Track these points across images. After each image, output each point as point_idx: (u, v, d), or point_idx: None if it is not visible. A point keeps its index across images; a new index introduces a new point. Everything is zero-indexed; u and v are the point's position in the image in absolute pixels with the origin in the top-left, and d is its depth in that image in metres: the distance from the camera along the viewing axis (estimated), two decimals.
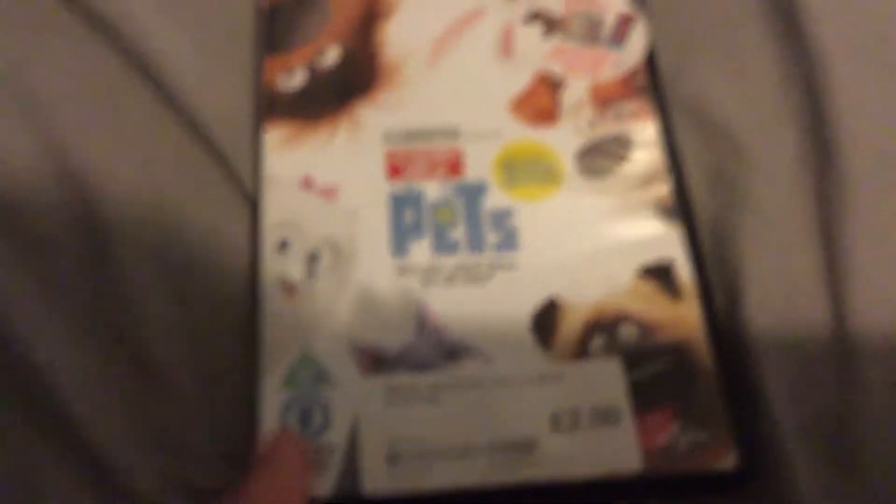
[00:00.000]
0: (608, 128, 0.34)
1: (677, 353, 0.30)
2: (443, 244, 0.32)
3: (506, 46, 0.36)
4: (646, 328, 0.31)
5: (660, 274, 0.32)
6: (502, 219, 0.33)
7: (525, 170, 0.33)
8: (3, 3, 0.35)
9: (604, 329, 0.31)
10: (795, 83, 0.35)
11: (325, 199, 0.33)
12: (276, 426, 0.29)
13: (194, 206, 0.33)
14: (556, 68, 0.36)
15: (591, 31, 0.36)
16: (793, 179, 0.33)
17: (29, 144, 0.33)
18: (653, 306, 0.31)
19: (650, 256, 0.32)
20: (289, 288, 0.31)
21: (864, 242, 0.32)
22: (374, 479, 0.28)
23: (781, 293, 0.32)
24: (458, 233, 0.32)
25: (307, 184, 0.33)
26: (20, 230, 0.32)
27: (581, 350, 0.30)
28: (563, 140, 0.34)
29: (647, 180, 0.33)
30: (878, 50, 0.35)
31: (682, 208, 0.33)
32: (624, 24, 0.36)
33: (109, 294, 0.31)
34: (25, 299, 0.31)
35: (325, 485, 0.28)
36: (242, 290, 0.32)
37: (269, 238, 0.32)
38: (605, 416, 0.29)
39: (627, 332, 0.31)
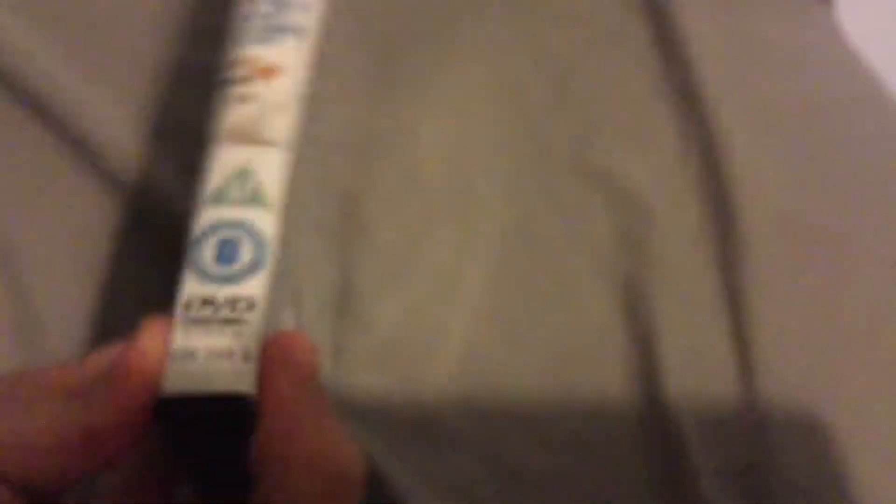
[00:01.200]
0: None
1: None
2: None
3: None
4: None
5: None
6: None
7: None
8: None
9: None
10: (696, 155, 0.36)
11: None
12: None
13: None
14: None
15: None
16: (698, 244, 0.35)
17: None
18: None
19: None
20: None
21: (765, 305, 0.33)
22: None
23: (692, 359, 0.33)
24: None
25: None
26: None
27: None
28: None
29: None
30: (771, 124, 0.38)
31: None
32: None
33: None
34: None
35: None
36: None
37: None
38: None
39: None
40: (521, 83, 0.38)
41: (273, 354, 0.21)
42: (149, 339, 0.21)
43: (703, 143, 0.36)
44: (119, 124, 0.34)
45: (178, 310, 0.21)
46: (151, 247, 0.33)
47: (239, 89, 0.26)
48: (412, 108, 0.37)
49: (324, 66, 0.28)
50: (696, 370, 0.33)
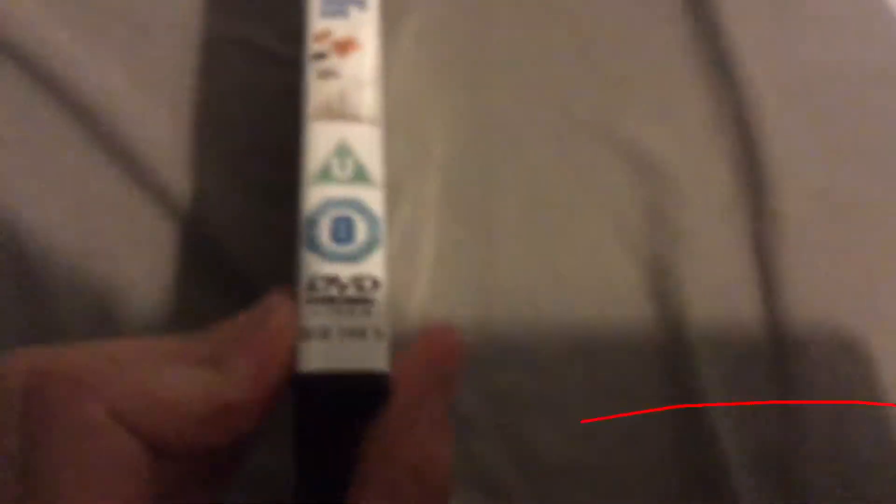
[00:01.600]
0: None
1: None
2: None
3: None
4: None
5: None
6: None
7: None
8: None
9: None
10: (727, 123, 0.36)
11: None
12: None
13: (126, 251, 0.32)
14: None
15: None
16: (727, 217, 0.35)
17: None
18: None
19: None
20: None
21: (797, 277, 0.34)
22: None
23: (720, 323, 0.33)
24: None
25: None
26: None
27: None
28: None
29: None
30: (806, 92, 0.38)
31: None
32: None
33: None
34: None
35: None
36: None
37: None
38: None
39: None
40: (546, 50, 0.38)
41: (423, 346, 0.21)
42: (281, 315, 0.21)
43: (735, 111, 0.36)
44: (161, 129, 0.33)
45: (303, 289, 0.21)
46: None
47: (320, 65, 0.25)
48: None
49: None
50: (723, 324, 0.33)
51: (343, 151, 0.24)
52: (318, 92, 0.25)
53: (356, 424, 0.20)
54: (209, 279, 0.32)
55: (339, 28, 0.27)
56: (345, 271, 0.22)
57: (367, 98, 0.25)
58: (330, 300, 0.21)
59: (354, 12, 0.27)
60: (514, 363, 0.33)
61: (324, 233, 0.22)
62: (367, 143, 0.24)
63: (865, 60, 0.39)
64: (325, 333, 0.21)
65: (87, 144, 0.33)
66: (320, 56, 0.26)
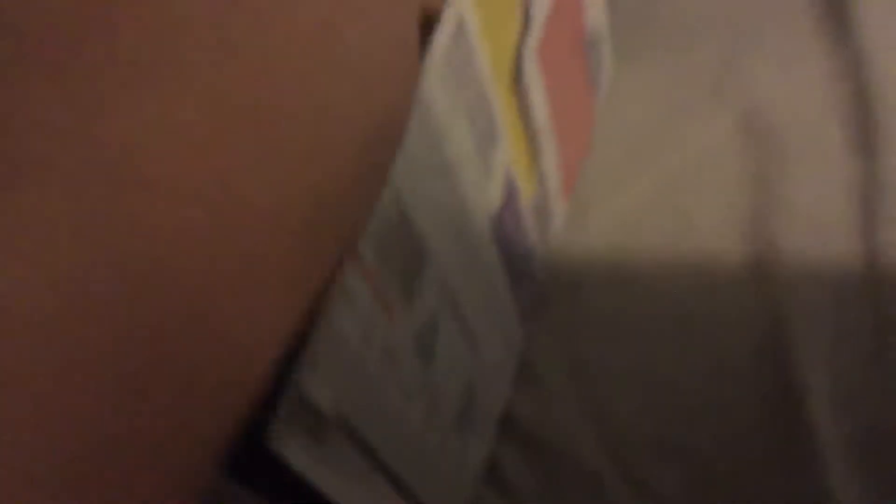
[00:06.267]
0: None
1: None
2: None
3: None
4: None
5: None
6: None
7: None
8: None
9: None
10: (844, 80, 0.35)
11: None
12: None
13: None
14: None
15: None
16: (835, 175, 0.33)
17: None
18: None
19: None
20: None
21: None
22: None
23: (819, 282, 0.31)
24: None
25: None
26: None
27: None
28: None
29: None
30: None
31: None
32: None
33: None
34: None
35: None
36: None
37: None
38: None
39: None
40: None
41: None
42: None
43: (850, 66, 0.35)
44: None
45: None
46: None
47: None
48: None
49: None
50: (820, 283, 0.31)
51: None
52: None
53: None
54: None
55: None
56: None
57: None
58: None
59: None
60: (601, 331, 0.32)
61: None
62: None
63: None
64: None
65: None
66: None
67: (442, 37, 0.19)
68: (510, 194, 0.26)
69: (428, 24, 0.19)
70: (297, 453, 0.16)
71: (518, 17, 0.24)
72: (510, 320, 0.30)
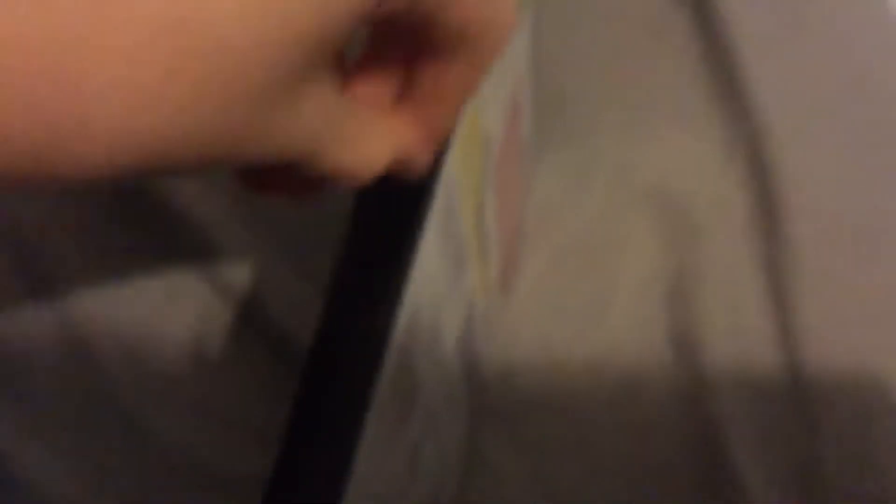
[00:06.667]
0: None
1: None
2: None
3: None
4: None
5: None
6: None
7: None
8: None
9: None
10: (741, 150, 0.36)
11: None
12: None
13: None
14: None
15: None
16: (742, 246, 0.35)
17: None
18: None
19: None
20: None
21: (812, 301, 0.34)
22: None
23: (737, 352, 0.34)
24: None
25: None
26: None
27: None
28: None
29: None
30: (818, 111, 0.37)
31: None
32: None
33: None
34: None
35: None
36: None
37: None
38: None
39: None
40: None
41: None
42: None
43: (748, 137, 0.36)
44: None
45: None
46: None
47: None
48: None
49: None
50: (740, 355, 0.33)
51: None
52: None
53: None
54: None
55: None
56: None
57: None
58: None
59: None
60: (540, 412, 0.34)
61: None
62: None
63: (876, 72, 0.38)
64: None
65: None
66: None
67: (437, 203, 0.21)
68: (471, 313, 0.28)
69: None
70: None
71: (481, 144, 0.26)
72: (463, 416, 0.32)
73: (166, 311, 0.33)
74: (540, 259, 0.37)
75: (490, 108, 0.25)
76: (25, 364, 0.32)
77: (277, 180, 0.18)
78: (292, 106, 0.14)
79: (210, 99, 0.13)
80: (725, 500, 0.32)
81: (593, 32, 0.39)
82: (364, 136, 0.17)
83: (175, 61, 0.12)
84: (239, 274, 0.33)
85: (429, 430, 0.25)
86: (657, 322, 0.35)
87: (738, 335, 0.34)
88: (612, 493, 0.33)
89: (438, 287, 0.23)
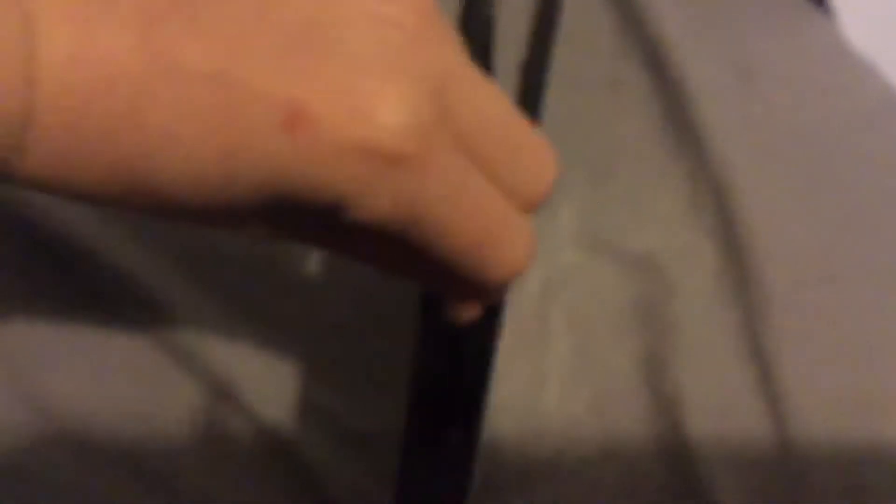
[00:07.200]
0: None
1: None
2: None
3: None
4: None
5: None
6: None
7: None
8: None
9: None
10: (706, 203, 0.35)
11: None
12: None
13: None
14: None
15: None
16: (717, 302, 0.34)
17: None
18: None
19: None
20: None
21: (789, 348, 0.33)
22: None
23: (720, 415, 0.32)
24: None
25: None
26: None
27: None
28: None
29: None
30: (779, 157, 0.36)
31: None
32: None
33: None
34: None
35: None
36: None
37: None
38: None
39: None
40: None
41: None
42: None
43: (712, 190, 0.35)
44: None
45: None
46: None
47: None
48: None
49: None
50: (725, 424, 0.32)
51: None
52: None
53: None
54: None
55: None
56: None
57: None
58: None
59: None
60: (518, 482, 0.32)
61: None
62: None
63: (835, 111, 0.38)
64: None
65: None
66: None
67: None
68: None
69: None
70: None
71: None
72: None
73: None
74: (510, 326, 0.35)
75: None
76: None
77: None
78: None
79: None
80: None
81: (551, 94, 0.38)
82: None
83: None
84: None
85: None
86: (635, 387, 0.33)
87: (720, 402, 0.33)
88: None
89: None
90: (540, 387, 0.34)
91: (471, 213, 0.21)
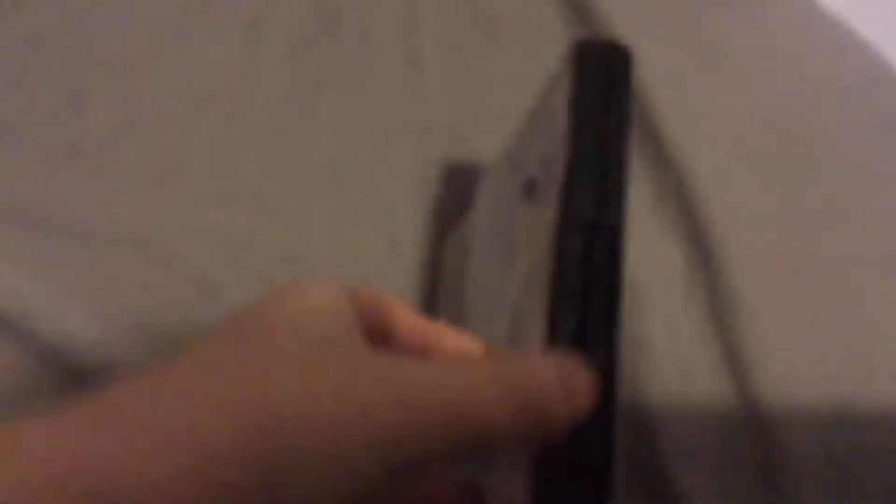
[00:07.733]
0: None
1: None
2: None
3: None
4: None
5: None
6: None
7: None
8: None
9: None
10: (670, 203, 0.35)
11: None
12: None
13: None
14: None
15: None
16: (686, 301, 0.34)
17: None
18: None
19: None
20: None
21: (757, 337, 0.33)
22: None
23: (689, 404, 0.32)
24: None
25: None
26: None
27: None
28: None
29: None
30: (739, 145, 0.36)
31: None
32: None
33: None
34: None
35: None
36: None
37: None
38: None
39: None
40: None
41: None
42: None
43: (675, 188, 0.35)
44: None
45: None
46: None
47: None
48: None
49: None
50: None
51: None
52: None
53: None
54: None
55: None
56: None
57: None
58: None
59: None
60: None
61: None
62: None
63: (817, 84, 0.37)
64: None
65: None
66: None
67: None
68: None
69: None
70: None
71: None
72: None
73: None
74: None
75: None
76: None
77: None
78: None
79: None
80: None
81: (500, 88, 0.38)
82: None
83: None
84: None
85: None
86: None
87: (692, 403, 0.33)
88: None
89: None
90: None
91: None
